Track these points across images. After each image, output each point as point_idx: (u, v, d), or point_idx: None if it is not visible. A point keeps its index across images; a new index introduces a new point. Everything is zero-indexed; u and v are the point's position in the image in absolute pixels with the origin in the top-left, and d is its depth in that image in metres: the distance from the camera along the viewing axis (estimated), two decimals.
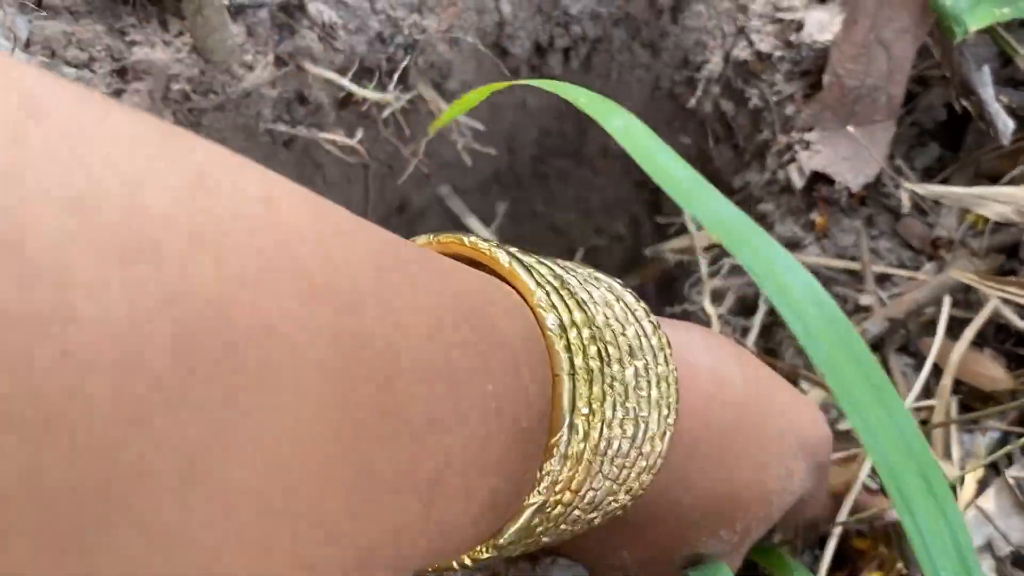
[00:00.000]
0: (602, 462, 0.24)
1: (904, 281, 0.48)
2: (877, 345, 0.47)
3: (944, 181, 0.50)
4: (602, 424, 0.24)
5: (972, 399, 0.45)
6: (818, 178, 0.49)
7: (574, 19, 0.52)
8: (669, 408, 0.26)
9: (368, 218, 0.19)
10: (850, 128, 0.49)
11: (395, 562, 0.19)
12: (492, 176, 0.63)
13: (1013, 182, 0.48)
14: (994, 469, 0.42)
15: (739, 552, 0.33)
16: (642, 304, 0.28)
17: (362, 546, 0.17)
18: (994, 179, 0.49)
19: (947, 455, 0.43)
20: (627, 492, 0.26)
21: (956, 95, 0.48)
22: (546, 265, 0.25)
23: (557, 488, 0.23)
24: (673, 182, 0.27)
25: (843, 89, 0.49)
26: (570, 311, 0.24)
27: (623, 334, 0.25)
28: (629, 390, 0.25)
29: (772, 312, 0.50)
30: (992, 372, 0.45)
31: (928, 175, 0.51)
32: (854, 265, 0.49)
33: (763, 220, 0.52)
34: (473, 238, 0.25)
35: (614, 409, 0.24)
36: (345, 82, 0.47)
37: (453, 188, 0.61)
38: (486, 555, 0.24)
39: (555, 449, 0.23)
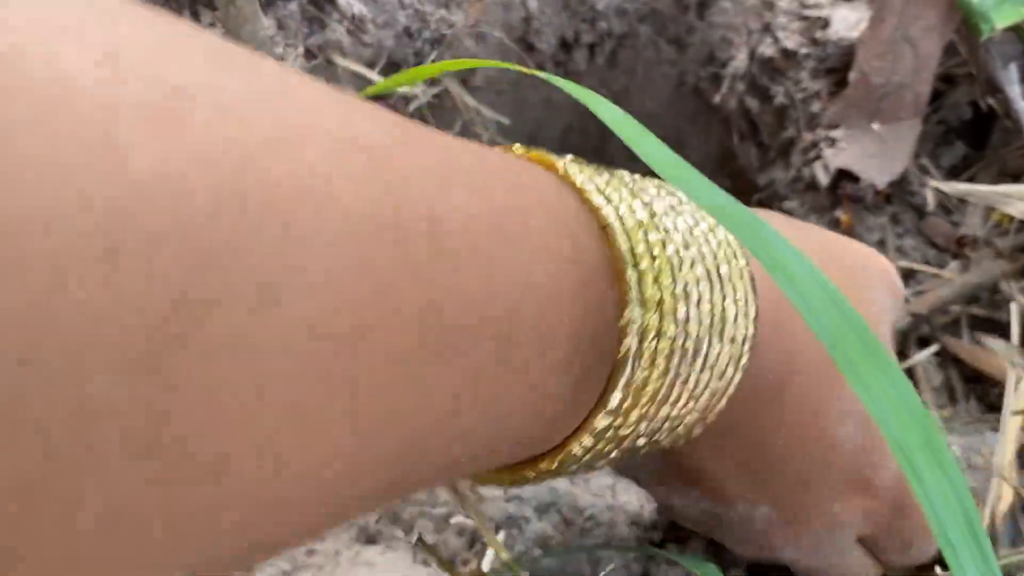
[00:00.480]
0: (687, 311, 0.24)
1: (928, 279, 0.48)
2: (900, 341, 0.47)
3: (969, 179, 0.50)
4: (671, 269, 0.23)
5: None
6: (843, 176, 0.49)
7: (600, 15, 0.52)
8: (742, 275, 0.26)
9: None
10: (875, 126, 0.49)
11: (483, 428, 0.19)
12: None
13: None
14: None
15: None
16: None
17: (444, 391, 0.18)
18: (1019, 177, 0.49)
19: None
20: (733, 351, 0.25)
21: (982, 93, 0.49)
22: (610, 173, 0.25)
23: (649, 339, 0.23)
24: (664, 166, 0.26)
25: (869, 87, 0.49)
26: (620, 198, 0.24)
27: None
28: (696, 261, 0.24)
29: None
30: None
31: (953, 173, 0.51)
32: None
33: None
34: (519, 146, 0.25)
35: (690, 265, 0.24)
36: (373, 75, 0.48)
37: None
38: (588, 442, 0.23)
39: (629, 293, 0.22)
